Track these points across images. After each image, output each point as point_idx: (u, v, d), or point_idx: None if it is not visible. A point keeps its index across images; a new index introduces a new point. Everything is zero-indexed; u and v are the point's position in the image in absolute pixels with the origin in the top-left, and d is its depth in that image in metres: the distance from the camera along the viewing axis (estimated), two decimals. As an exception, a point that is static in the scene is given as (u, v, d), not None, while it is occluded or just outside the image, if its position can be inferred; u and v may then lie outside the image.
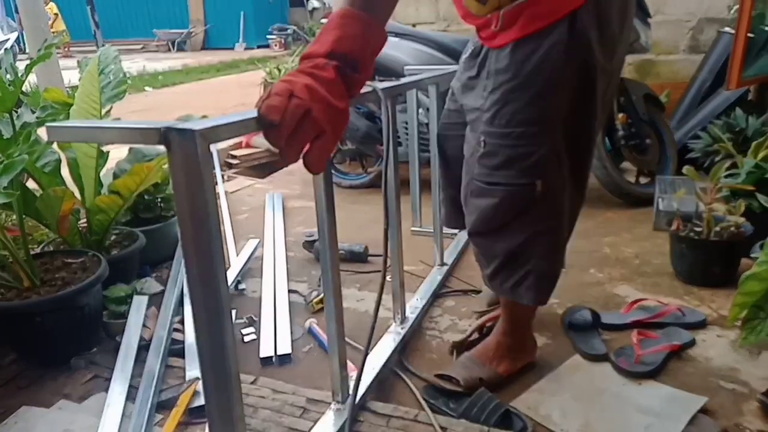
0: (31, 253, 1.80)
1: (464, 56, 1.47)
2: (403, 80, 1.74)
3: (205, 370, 0.94)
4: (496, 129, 1.25)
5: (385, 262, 1.35)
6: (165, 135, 0.82)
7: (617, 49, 1.24)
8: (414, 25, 3.93)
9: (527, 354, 1.60)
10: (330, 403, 1.41)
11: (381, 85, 1.48)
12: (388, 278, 1.89)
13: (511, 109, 1.21)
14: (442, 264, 2.19)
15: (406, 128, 2.99)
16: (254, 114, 0.92)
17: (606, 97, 1.29)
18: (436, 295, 2.02)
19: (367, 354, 1.39)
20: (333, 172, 3.30)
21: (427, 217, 2.48)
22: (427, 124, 2.58)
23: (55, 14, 14.79)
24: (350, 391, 1.39)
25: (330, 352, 1.38)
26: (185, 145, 0.82)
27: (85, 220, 2.08)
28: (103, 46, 2.47)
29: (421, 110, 2.74)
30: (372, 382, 1.49)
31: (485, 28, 1.24)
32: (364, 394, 1.44)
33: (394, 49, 2.96)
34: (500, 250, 1.34)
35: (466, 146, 1.42)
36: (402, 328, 1.74)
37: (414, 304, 1.90)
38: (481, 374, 1.54)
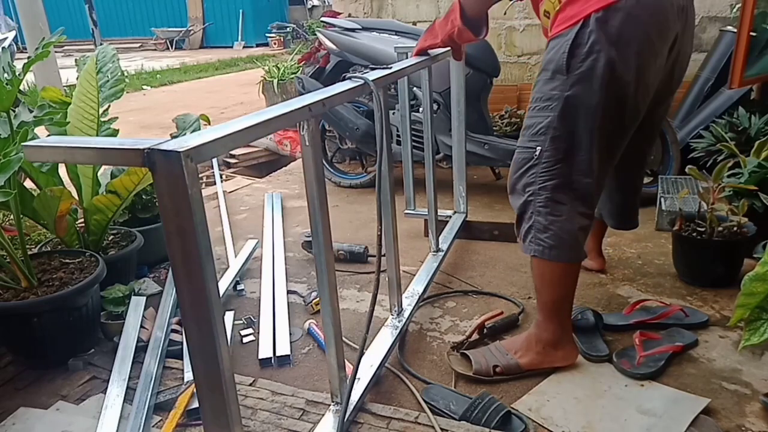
0: (29, 253, 1.79)
1: None
2: (394, 66, 1.65)
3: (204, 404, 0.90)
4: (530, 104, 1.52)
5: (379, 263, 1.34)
6: (149, 156, 0.76)
7: (637, 57, 1.37)
8: (414, 23, 3.91)
9: (558, 356, 1.58)
10: (329, 405, 1.40)
11: (372, 75, 1.44)
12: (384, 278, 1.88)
13: (535, 88, 1.49)
14: (437, 251, 2.18)
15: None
16: (244, 124, 0.90)
17: (617, 94, 1.40)
18: (438, 295, 2.01)
19: (362, 354, 1.38)
20: (333, 171, 3.32)
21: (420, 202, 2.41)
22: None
23: None
24: (347, 391, 1.37)
25: (328, 353, 1.36)
26: (171, 167, 0.75)
27: (82, 219, 2.07)
28: (101, 44, 2.46)
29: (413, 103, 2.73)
30: (371, 379, 1.47)
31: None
32: (364, 394, 1.43)
33: (392, 47, 2.93)
34: (515, 207, 1.56)
35: None
36: (399, 321, 1.72)
37: (410, 293, 1.88)
38: (498, 362, 1.54)
